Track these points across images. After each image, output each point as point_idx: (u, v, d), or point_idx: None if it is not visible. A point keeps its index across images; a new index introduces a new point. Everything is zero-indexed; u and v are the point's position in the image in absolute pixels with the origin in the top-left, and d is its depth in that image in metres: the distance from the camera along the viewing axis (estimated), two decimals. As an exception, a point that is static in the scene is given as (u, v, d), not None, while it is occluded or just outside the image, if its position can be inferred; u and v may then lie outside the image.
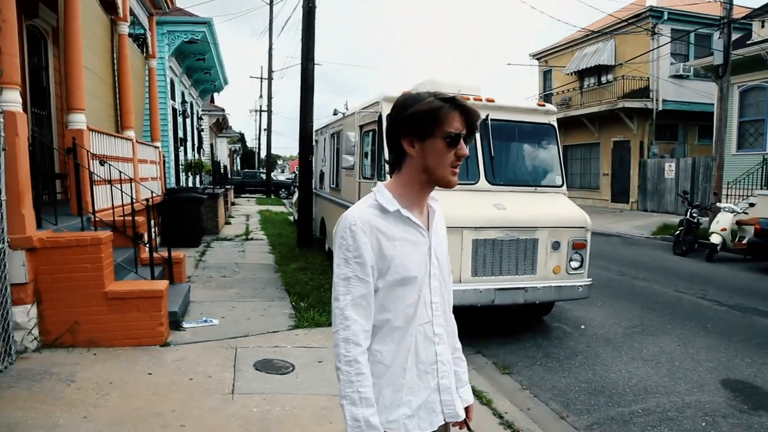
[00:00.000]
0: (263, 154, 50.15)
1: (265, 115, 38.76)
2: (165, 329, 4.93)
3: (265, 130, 37.46)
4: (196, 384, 4.05)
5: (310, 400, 3.89)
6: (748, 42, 16.75)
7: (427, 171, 1.51)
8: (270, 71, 34.15)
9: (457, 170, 1.52)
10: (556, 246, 5.89)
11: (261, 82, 41.04)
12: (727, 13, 13.56)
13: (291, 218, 17.39)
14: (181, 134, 15.24)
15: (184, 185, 14.39)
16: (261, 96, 41.54)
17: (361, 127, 7.22)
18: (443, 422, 1.58)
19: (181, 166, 14.30)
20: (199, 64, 15.87)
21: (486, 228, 5.62)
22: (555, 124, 6.89)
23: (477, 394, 4.07)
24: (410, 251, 1.52)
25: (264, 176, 34.24)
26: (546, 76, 28.54)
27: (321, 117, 11.29)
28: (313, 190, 11.32)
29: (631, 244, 14.23)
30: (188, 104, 16.55)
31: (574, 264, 5.96)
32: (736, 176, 16.27)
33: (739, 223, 11.57)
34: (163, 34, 12.42)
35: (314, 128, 11.37)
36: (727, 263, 11.25)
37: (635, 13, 21.45)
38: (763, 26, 16.49)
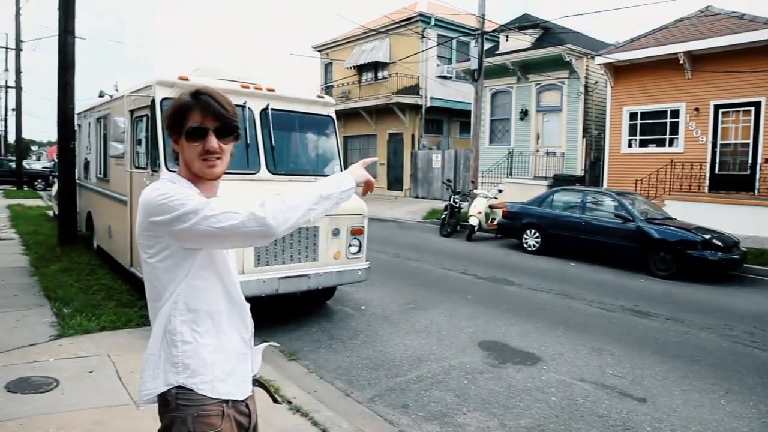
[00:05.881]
0: (12, 138, 42.71)
1: (13, 92, 32.99)
2: None
3: (13, 110, 31.86)
4: (-76, 418, 3.35)
5: (81, 417, 3.50)
6: (497, 52, 19.49)
7: (187, 165, 1.56)
8: (18, 40, 29.09)
9: (211, 162, 1.54)
10: (336, 233, 6.17)
11: (6, 52, 34.85)
12: (481, 26, 15.57)
13: (51, 213, 15.20)
14: None
15: None
16: (7, 69, 35.25)
17: (132, 111, 6.61)
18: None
19: None
20: None
21: None
22: (333, 115, 7.17)
23: (266, 383, 4.09)
24: None
25: (14, 165, 29.14)
26: (327, 68, 29.40)
27: (88, 99, 10.03)
28: (77, 181, 10.05)
29: (404, 228, 15.57)
30: None
31: (353, 249, 6.31)
32: (489, 166, 18.88)
33: (491, 206, 13.49)
34: None
35: (77, 111, 10.07)
36: (483, 242, 13.03)
37: (407, 17, 23.32)
38: (507, 40, 19.33)
